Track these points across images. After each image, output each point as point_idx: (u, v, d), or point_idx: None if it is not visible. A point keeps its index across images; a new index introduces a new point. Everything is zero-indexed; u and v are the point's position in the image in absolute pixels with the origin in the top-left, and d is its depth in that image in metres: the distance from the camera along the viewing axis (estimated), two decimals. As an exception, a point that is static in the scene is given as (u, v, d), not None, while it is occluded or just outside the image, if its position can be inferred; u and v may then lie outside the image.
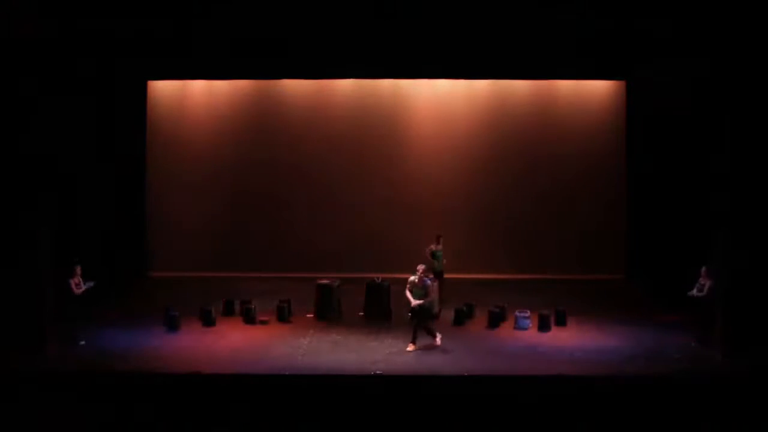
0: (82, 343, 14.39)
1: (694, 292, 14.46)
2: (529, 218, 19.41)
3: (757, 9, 13.19)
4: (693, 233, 16.84)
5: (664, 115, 17.65)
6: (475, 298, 16.45)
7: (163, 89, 19.46)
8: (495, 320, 15.84)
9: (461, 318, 15.92)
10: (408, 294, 14.36)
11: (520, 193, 19.47)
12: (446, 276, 16.77)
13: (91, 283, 14.48)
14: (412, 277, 14.35)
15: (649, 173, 18.29)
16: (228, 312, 16.42)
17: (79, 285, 14.29)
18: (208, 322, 15.83)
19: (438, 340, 14.43)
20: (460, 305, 16.06)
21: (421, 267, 14.50)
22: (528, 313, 15.78)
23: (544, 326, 15.54)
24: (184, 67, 15.53)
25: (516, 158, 19.45)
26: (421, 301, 14.23)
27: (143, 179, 19.38)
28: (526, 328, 15.61)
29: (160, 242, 19.37)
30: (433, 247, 16.66)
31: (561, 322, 15.82)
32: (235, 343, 14.78)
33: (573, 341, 14.96)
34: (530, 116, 19.40)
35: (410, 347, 14.31)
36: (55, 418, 11.65)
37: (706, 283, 14.34)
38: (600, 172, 19.35)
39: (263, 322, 15.79)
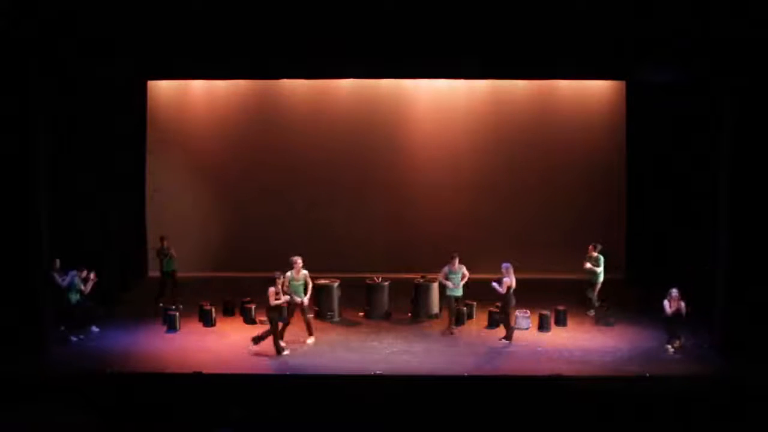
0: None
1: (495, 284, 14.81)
2: (529, 218, 19.40)
3: (757, 8, 13.19)
4: (693, 233, 16.85)
5: (664, 115, 17.65)
6: (475, 298, 16.43)
7: (163, 89, 19.45)
8: (495, 320, 15.85)
9: (461, 318, 15.92)
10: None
11: (519, 192, 19.45)
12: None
13: (286, 297, 14.50)
14: (289, 273, 14.68)
15: (649, 173, 18.28)
16: (228, 312, 16.44)
17: (277, 295, 14.23)
18: (208, 322, 15.85)
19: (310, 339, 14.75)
20: (460, 305, 16.07)
21: (297, 259, 14.81)
22: (528, 313, 15.79)
23: (544, 326, 15.56)
24: (184, 67, 15.50)
25: (516, 158, 19.43)
26: (305, 298, 14.71)
27: (143, 179, 19.37)
28: (526, 328, 15.63)
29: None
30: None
31: (561, 322, 15.84)
32: (235, 343, 14.79)
33: (573, 341, 14.97)
34: (530, 116, 19.37)
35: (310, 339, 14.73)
36: (54, 418, 11.66)
37: (503, 281, 14.64)
38: (600, 172, 19.33)
39: (263, 322, 15.79)
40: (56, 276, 14.73)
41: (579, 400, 12.25)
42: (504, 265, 14.95)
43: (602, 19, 13.71)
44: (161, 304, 16.46)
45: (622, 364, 13.73)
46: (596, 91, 19.31)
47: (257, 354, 14.19)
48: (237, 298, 16.61)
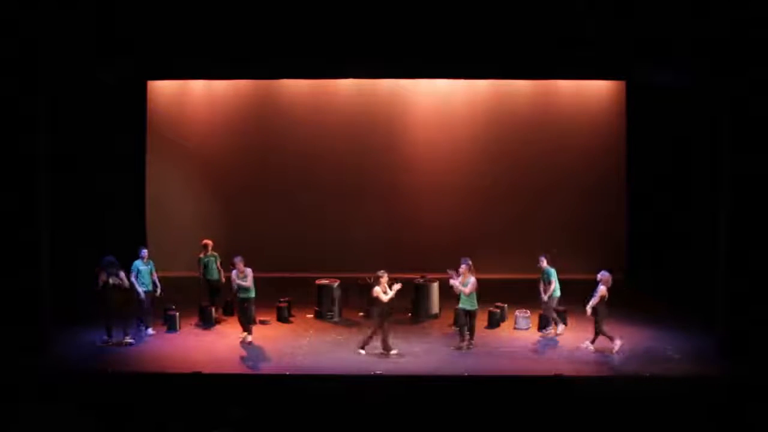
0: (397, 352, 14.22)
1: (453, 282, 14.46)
2: (529, 218, 19.40)
3: (757, 8, 13.20)
4: (693, 233, 16.85)
5: (664, 115, 17.64)
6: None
7: (163, 89, 19.46)
8: (495, 320, 15.85)
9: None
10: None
11: (520, 192, 19.47)
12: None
13: (398, 286, 14.22)
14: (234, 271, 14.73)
15: (649, 173, 18.28)
16: (228, 312, 16.42)
17: (386, 292, 14.11)
18: (208, 322, 15.84)
19: (248, 337, 14.68)
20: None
21: (238, 258, 14.81)
22: (528, 313, 15.79)
23: (544, 326, 15.54)
24: (184, 67, 15.52)
25: (516, 158, 19.45)
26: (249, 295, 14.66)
27: (143, 179, 19.37)
28: (526, 328, 15.63)
29: (160, 242, 19.33)
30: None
31: (561, 323, 15.81)
32: (235, 343, 14.78)
33: (573, 341, 14.96)
34: (530, 116, 19.39)
35: (249, 338, 14.64)
36: (55, 418, 11.66)
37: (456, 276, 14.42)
38: (600, 172, 19.34)
39: (263, 322, 15.79)
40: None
41: (579, 400, 12.24)
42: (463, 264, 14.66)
43: (602, 19, 13.72)
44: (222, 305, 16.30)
45: (622, 364, 13.72)
46: (596, 92, 19.32)
47: (256, 354, 14.18)
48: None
